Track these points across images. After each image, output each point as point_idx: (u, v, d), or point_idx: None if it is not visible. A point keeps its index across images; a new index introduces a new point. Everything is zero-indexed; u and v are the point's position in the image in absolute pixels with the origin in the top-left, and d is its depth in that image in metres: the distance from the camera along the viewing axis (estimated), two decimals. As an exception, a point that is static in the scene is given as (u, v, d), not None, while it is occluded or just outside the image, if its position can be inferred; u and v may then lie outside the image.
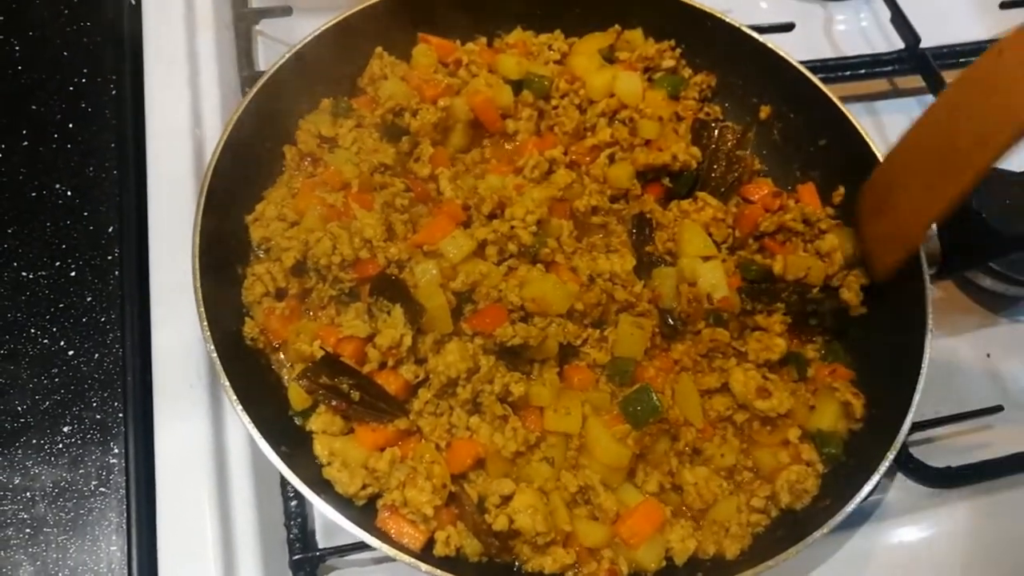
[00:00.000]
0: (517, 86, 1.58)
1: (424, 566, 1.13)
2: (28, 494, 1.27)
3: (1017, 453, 1.48)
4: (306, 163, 1.51)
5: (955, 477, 1.45)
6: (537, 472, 1.27)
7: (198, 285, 1.25)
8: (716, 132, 1.60)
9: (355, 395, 1.26)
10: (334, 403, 1.26)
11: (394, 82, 1.53)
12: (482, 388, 1.29)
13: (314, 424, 1.28)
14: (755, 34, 1.60)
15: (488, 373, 1.29)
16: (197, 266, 1.26)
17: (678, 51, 1.68)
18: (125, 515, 1.27)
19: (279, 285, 1.37)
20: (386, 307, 1.30)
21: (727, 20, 1.61)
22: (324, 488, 1.21)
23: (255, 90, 1.44)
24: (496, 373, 1.30)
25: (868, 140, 1.50)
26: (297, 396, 1.29)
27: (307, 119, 1.54)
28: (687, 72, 1.68)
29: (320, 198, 1.41)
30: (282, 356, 1.38)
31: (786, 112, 1.63)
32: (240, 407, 1.18)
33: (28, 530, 1.25)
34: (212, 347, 1.21)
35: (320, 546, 1.30)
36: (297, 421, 1.31)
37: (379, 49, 1.58)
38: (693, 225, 1.51)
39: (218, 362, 1.20)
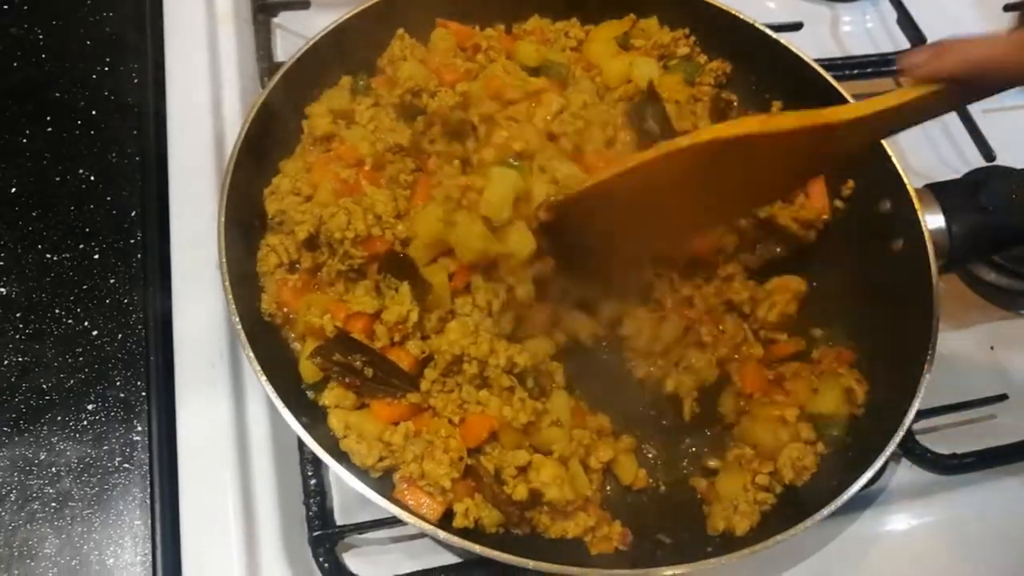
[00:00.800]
0: (534, 72, 1.60)
1: (443, 533, 1.15)
2: (53, 469, 1.29)
3: (1021, 441, 1.51)
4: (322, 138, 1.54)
5: (960, 464, 1.48)
6: (549, 437, 1.30)
7: (223, 259, 1.28)
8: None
9: (368, 372, 1.28)
10: (347, 380, 1.28)
11: (413, 64, 1.55)
12: (487, 362, 1.30)
13: (326, 399, 1.30)
14: (768, 30, 1.63)
15: (487, 349, 1.30)
16: (223, 243, 1.29)
17: (692, 38, 1.71)
18: (148, 490, 1.29)
19: (292, 257, 1.40)
20: (394, 284, 1.33)
21: (741, 17, 1.63)
22: (343, 459, 1.24)
23: (274, 81, 1.47)
24: (499, 347, 1.31)
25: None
26: (308, 369, 1.32)
27: (326, 94, 1.57)
28: (702, 59, 1.71)
29: (334, 172, 1.44)
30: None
31: (797, 108, 1.65)
32: (264, 377, 1.21)
33: (54, 504, 1.27)
34: (237, 319, 1.24)
35: (339, 523, 1.32)
36: (310, 395, 1.33)
37: (400, 31, 1.61)
38: None
39: (242, 333, 1.23)
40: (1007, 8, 2.08)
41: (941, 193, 1.48)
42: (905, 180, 1.46)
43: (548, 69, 1.61)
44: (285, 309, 1.38)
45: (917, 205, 1.44)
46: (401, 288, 1.31)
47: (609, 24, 1.72)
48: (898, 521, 1.45)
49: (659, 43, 1.68)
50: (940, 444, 1.50)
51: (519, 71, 1.58)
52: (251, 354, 1.22)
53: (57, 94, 1.63)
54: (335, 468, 1.18)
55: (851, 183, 1.59)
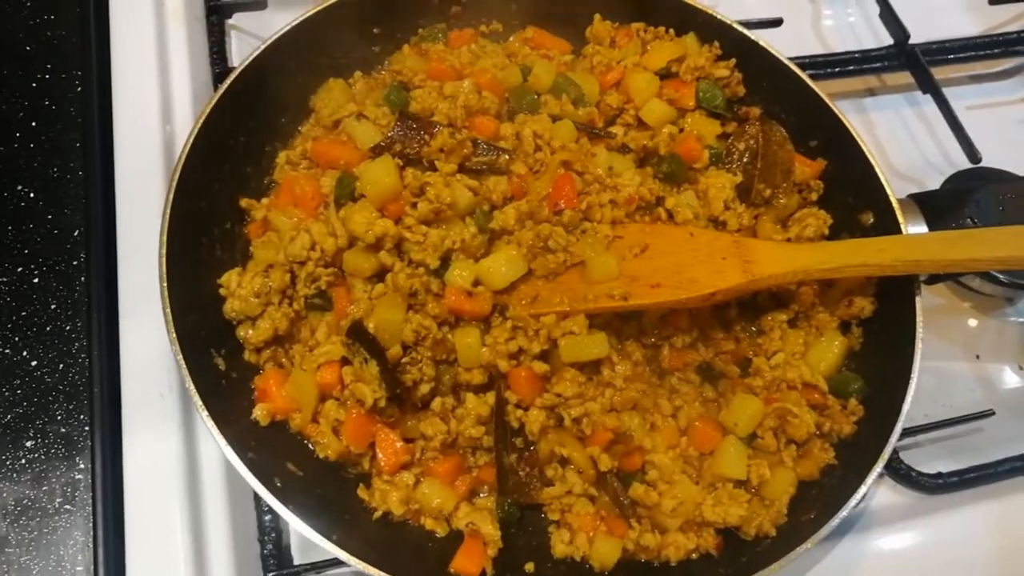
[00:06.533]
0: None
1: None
2: (-11, 512, 1.22)
3: (1007, 458, 1.46)
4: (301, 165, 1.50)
5: (946, 483, 1.43)
6: None
7: (165, 285, 1.23)
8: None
9: None
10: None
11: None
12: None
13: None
14: (746, 31, 1.56)
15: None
16: (164, 268, 1.24)
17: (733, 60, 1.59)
18: (92, 533, 1.22)
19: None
20: (363, 355, 1.26)
21: (718, 16, 1.56)
22: (293, 498, 1.16)
23: (226, 86, 1.40)
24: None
25: (859, 140, 1.45)
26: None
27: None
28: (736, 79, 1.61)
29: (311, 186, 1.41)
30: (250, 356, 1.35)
31: (777, 112, 1.58)
32: (205, 412, 1.16)
33: (-11, 550, 1.20)
34: (177, 348, 1.19)
35: (296, 562, 1.26)
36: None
37: None
38: None
39: (183, 363, 1.17)
40: (992, 1, 2.01)
41: (925, 204, 1.42)
42: (888, 192, 1.40)
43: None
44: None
45: (900, 218, 1.38)
46: (369, 366, 1.24)
47: (660, 48, 1.59)
48: (884, 542, 1.41)
49: (695, 65, 1.57)
50: (925, 462, 1.46)
51: (512, 65, 1.56)
52: (191, 385, 1.17)
53: (-7, 104, 1.54)
54: (282, 512, 1.12)
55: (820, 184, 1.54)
